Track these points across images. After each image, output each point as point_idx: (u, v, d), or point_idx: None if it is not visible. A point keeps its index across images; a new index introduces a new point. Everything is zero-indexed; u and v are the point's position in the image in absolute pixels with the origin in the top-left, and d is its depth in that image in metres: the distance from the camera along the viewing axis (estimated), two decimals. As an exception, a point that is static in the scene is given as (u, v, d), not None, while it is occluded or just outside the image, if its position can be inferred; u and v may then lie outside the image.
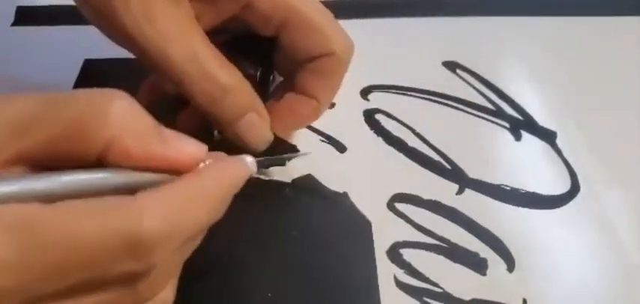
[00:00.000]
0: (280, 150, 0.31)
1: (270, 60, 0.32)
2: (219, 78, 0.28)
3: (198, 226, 0.21)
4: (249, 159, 0.24)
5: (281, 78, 0.34)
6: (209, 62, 0.28)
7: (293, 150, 0.32)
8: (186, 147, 0.22)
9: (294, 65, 0.31)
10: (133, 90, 0.38)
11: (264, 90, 0.32)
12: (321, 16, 0.30)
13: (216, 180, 0.22)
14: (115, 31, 0.28)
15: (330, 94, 0.32)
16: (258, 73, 0.31)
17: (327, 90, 0.32)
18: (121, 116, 0.20)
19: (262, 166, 0.28)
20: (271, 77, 0.33)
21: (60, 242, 0.18)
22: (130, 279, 0.20)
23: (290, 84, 0.32)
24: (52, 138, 0.20)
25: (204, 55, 0.28)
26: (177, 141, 0.22)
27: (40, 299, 0.19)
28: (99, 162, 0.20)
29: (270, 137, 0.30)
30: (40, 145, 0.20)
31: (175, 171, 0.21)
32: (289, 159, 0.32)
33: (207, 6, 0.29)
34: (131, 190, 0.20)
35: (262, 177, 0.32)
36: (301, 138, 0.35)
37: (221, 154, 0.24)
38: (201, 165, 0.22)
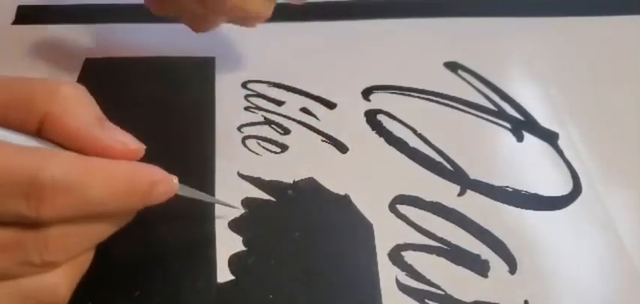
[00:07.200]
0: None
1: None
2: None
3: (98, 201, 0.22)
4: (174, 179, 0.25)
5: None
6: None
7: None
8: (121, 137, 0.23)
9: None
10: (133, 89, 0.38)
11: None
12: None
13: (130, 170, 0.23)
14: None
15: None
16: None
17: None
18: (65, 96, 0.22)
19: (185, 193, 0.26)
20: None
21: None
22: (23, 230, 0.21)
23: None
24: (3, 102, 0.22)
25: None
26: (115, 132, 0.23)
27: None
28: (38, 134, 0.22)
29: None
30: None
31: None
32: (214, 201, 0.31)
33: None
34: None
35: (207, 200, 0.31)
36: (303, 138, 0.35)
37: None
38: None
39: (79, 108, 0.23)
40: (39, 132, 0.22)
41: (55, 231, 0.21)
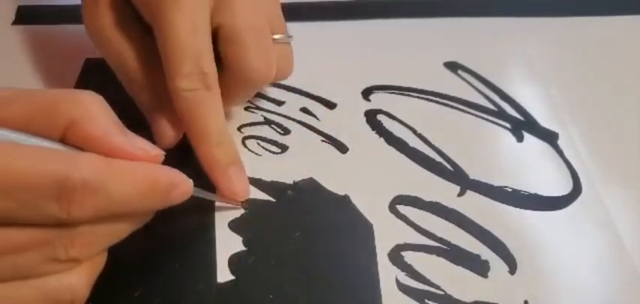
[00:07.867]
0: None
1: None
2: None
3: (122, 200, 0.23)
4: (190, 182, 0.26)
5: None
6: None
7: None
8: (142, 144, 0.24)
9: None
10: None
11: None
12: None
13: (151, 172, 0.24)
14: None
15: None
16: None
17: None
18: (87, 106, 0.23)
19: (198, 194, 0.28)
20: None
21: None
22: (50, 228, 0.22)
23: None
24: (28, 112, 0.23)
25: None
26: (136, 139, 0.24)
27: None
28: (62, 141, 0.23)
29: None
30: (18, 116, 0.22)
31: None
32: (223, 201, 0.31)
33: None
34: None
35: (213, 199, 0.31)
36: (303, 138, 0.35)
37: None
38: None
39: (100, 116, 0.24)
40: (63, 140, 0.23)
41: (81, 229, 0.22)
